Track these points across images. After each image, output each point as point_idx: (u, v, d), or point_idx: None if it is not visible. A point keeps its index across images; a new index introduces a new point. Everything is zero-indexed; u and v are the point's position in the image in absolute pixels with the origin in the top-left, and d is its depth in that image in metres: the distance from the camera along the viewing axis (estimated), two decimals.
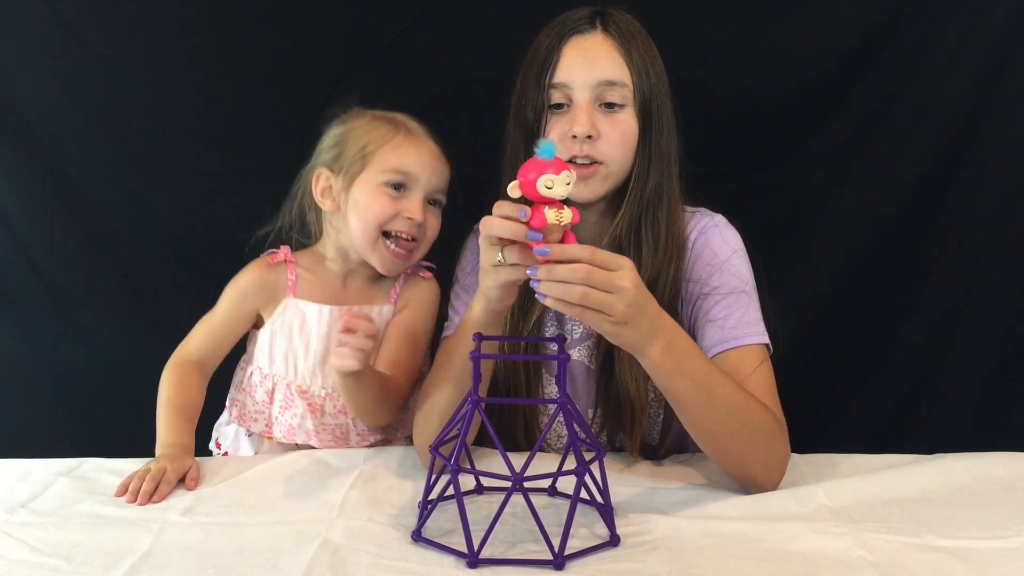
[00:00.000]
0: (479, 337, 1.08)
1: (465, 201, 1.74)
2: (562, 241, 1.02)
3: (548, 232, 1.00)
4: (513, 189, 1.01)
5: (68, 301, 1.78)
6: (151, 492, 1.18)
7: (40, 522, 1.12)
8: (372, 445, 1.40)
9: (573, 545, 1.01)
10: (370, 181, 1.37)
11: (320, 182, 1.40)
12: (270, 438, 1.40)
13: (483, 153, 1.66)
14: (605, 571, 0.98)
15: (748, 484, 1.18)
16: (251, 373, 1.43)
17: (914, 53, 1.68)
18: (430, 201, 1.40)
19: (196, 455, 1.32)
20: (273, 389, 1.40)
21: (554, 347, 1.18)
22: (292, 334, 1.40)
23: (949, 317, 1.74)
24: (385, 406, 1.36)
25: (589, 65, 1.27)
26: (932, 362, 1.76)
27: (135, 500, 1.17)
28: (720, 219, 1.35)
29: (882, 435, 1.76)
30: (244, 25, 1.71)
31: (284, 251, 1.45)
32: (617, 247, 1.28)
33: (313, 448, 1.38)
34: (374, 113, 1.42)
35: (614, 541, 1.03)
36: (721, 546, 1.03)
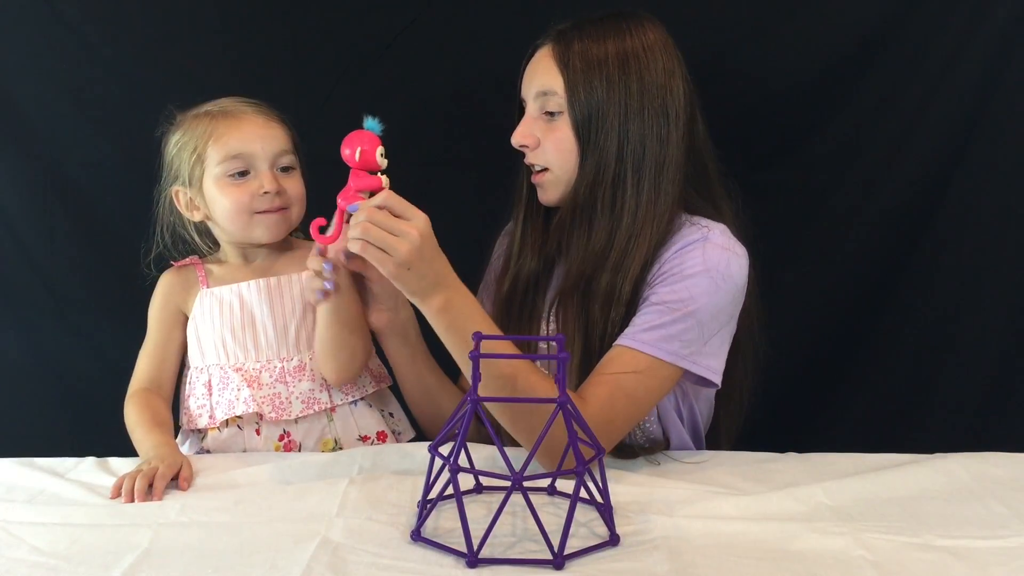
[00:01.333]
0: (479, 337, 1.08)
1: (469, 200, 1.75)
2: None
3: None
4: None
5: (68, 301, 1.78)
6: (145, 489, 1.17)
7: (39, 521, 1.11)
8: (315, 414, 1.40)
9: (573, 545, 1.00)
10: (212, 179, 1.38)
11: (181, 198, 1.42)
12: (214, 428, 1.39)
13: (484, 152, 1.67)
14: (605, 571, 0.98)
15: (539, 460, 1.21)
16: (189, 377, 1.44)
17: (914, 53, 1.68)
18: (281, 169, 1.40)
19: None
20: (209, 379, 1.41)
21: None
22: (214, 320, 1.41)
23: (949, 317, 1.75)
24: (359, 354, 1.37)
25: (532, 77, 1.35)
26: (932, 362, 1.76)
27: (130, 500, 1.17)
28: (715, 236, 1.29)
29: (882, 435, 1.76)
30: (244, 25, 1.72)
31: (190, 259, 1.47)
32: (559, 234, 1.36)
33: (255, 415, 1.38)
34: (194, 112, 1.42)
35: (614, 541, 1.03)
36: (721, 546, 1.03)
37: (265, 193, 1.36)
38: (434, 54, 1.72)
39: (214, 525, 1.10)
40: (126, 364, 1.69)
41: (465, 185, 1.76)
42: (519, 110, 1.39)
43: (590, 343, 1.31)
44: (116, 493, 1.19)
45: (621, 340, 1.27)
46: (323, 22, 1.71)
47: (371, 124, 1.19)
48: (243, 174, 1.37)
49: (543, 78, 1.33)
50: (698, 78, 1.36)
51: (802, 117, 1.72)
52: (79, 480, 1.24)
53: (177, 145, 1.41)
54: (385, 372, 1.48)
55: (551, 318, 1.36)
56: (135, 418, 1.37)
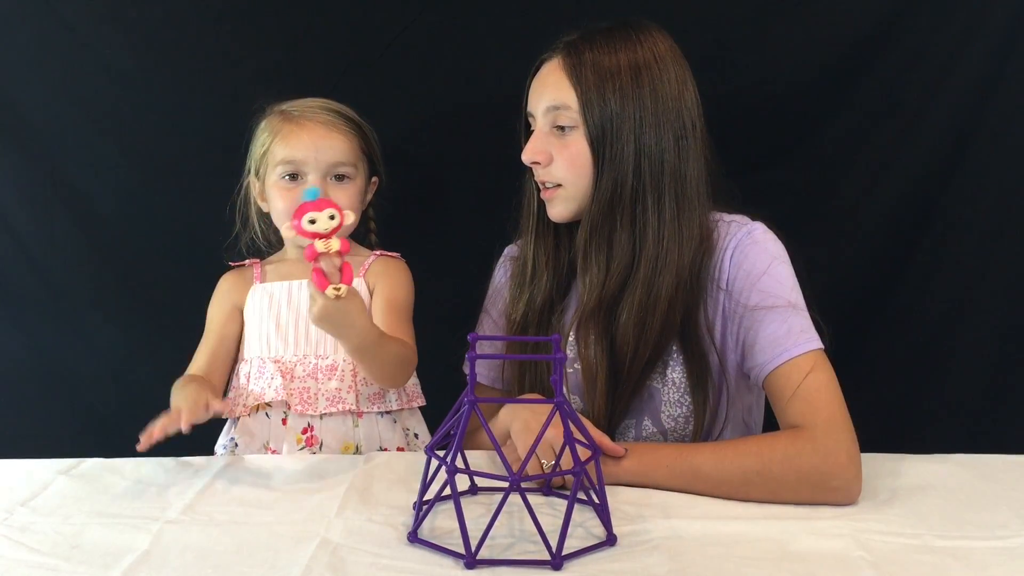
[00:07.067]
0: (475, 337, 1.08)
1: (468, 201, 1.75)
2: (341, 270, 1.14)
3: (321, 259, 1.13)
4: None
5: (68, 301, 1.78)
6: (167, 427, 1.18)
7: (39, 521, 1.11)
8: (342, 414, 1.41)
9: (571, 545, 1.00)
10: (271, 179, 1.42)
11: (255, 189, 1.47)
12: (245, 414, 1.41)
13: (483, 153, 1.67)
14: (603, 571, 0.97)
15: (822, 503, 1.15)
16: (237, 370, 1.46)
17: (914, 53, 1.68)
18: (335, 177, 1.42)
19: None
20: (250, 371, 1.43)
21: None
22: (262, 314, 1.44)
23: (949, 317, 1.74)
24: (400, 367, 1.37)
25: (542, 91, 1.31)
26: (932, 362, 1.76)
27: (157, 436, 1.17)
28: (758, 227, 1.32)
29: (882, 435, 1.75)
30: (244, 25, 1.71)
31: (249, 260, 1.51)
32: (577, 254, 1.32)
33: (284, 405, 1.40)
34: (279, 108, 1.46)
35: (611, 541, 1.03)
36: (720, 546, 1.03)
37: None
38: (434, 54, 1.71)
39: (214, 526, 1.10)
40: (126, 363, 1.70)
41: (464, 186, 1.76)
42: (524, 126, 1.37)
43: (618, 362, 1.29)
44: (147, 442, 1.19)
45: (771, 365, 1.24)
46: (323, 22, 1.71)
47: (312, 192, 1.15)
48: (293, 178, 1.40)
49: (554, 92, 1.29)
50: (698, 79, 1.35)
51: (802, 117, 1.72)
52: (79, 480, 1.24)
53: (258, 138, 1.46)
54: (418, 392, 1.48)
55: (572, 339, 1.34)
56: (176, 384, 1.37)
